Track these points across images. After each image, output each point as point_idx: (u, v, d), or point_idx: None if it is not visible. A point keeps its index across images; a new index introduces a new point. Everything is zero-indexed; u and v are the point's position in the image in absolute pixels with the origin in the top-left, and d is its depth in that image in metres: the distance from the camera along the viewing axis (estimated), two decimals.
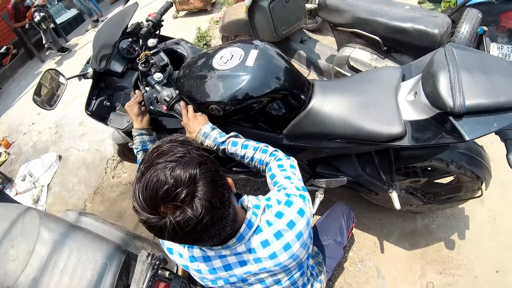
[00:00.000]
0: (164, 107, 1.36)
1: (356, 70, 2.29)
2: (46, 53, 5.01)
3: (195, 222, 0.64)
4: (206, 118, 1.31)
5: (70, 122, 3.56)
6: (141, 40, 1.61)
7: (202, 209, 0.64)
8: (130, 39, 1.64)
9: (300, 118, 1.43)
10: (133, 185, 0.68)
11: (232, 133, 1.25)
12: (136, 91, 1.43)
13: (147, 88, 1.49)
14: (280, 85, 1.35)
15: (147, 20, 1.63)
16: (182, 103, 1.34)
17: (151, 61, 1.48)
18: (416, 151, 1.44)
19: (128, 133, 1.67)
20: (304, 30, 3.19)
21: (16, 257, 1.35)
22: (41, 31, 4.89)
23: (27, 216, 1.44)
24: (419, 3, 3.68)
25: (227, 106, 1.32)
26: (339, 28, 2.37)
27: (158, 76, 1.42)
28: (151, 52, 1.49)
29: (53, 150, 3.31)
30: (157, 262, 1.34)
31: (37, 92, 1.57)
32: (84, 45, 5.28)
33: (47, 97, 1.62)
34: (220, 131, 1.26)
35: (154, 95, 1.40)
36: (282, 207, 0.88)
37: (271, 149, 1.17)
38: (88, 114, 1.62)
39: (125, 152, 2.33)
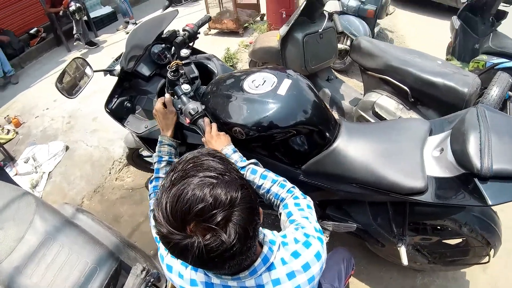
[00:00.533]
0: (188, 120, 1.34)
1: (380, 117, 2.29)
2: (74, 44, 5.07)
3: (225, 249, 0.59)
4: (229, 139, 1.29)
5: (84, 115, 3.56)
6: (173, 48, 1.61)
7: (236, 235, 0.59)
8: (163, 45, 1.63)
9: (322, 156, 1.40)
10: (160, 193, 0.63)
11: (252, 160, 1.22)
12: (166, 96, 1.40)
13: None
14: (308, 119, 1.34)
15: (184, 30, 1.64)
16: (206, 119, 1.33)
17: (181, 71, 1.48)
18: (433, 208, 1.40)
19: (143, 139, 1.64)
20: (332, 69, 3.22)
21: (3, 241, 1.30)
22: (73, 21, 4.96)
23: (23, 201, 1.40)
24: (447, 59, 3.71)
25: (251, 131, 1.30)
26: (369, 72, 2.39)
27: (186, 87, 1.41)
28: (183, 62, 1.49)
29: (62, 140, 3.29)
30: (151, 280, 1.28)
31: (61, 78, 1.57)
32: (112, 43, 5.37)
33: (70, 85, 1.61)
34: (241, 155, 1.24)
35: (179, 106, 1.38)
36: (300, 247, 0.84)
37: (289, 185, 1.14)
38: (107, 111, 1.61)
39: (133, 158, 2.31)
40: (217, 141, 1.26)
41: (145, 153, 2.33)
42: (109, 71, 1.61)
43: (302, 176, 1.47)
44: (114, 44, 5.30)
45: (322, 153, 1.41)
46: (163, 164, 1.27)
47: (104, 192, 2.64)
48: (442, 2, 6.20)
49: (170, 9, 1.82)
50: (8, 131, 3.66)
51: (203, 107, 1.36)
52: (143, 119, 1.64)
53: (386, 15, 4.50)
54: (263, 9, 4.96)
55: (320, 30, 2.44)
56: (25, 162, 3.15)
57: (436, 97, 1.98)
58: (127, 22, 5.71)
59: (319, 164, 1.41)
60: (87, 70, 1.65)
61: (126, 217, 2.41)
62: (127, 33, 5.48)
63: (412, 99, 2.13)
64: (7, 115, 3.86)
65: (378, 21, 3.90)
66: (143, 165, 2.43)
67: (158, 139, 1.34)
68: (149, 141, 1.65)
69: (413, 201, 1.25)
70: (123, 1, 5.47)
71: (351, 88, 3.13)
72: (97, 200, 2.58)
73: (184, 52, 1.53)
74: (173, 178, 0.63)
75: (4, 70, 4.55)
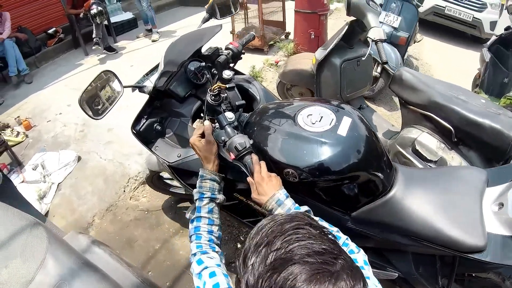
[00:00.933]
0: (232, 156, 1.17)
1: (420, 155, 2.15)
2: (93, 48, 4.97)
3: None
4: (280, 181, 1.14)
5: (99, 124, 3.39)
6: (213, 69, 1.46)
7: None
8: (203, 63, 1.46)
9: (377, 205, 1.29)
10: (250, 275, 0.50)
11: (305, 207, 1.08)
12: (206, 124, 1.24)
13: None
14: (369, 165, 1.22)
15: (227, 48, 1.49)
16: (254, 156, 1.15)
17: (222, 95, 1.32)
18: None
19: (173, 168, 1.47)
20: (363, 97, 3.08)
21: (7, 283, 1.10)
22: (93, 25, 4.87)
23: (33, 233, 1.14)
24: (474, 92, 3.61)
25: (306, 174, 1.16)
26: (410, 106, 2.24)
27: (230, 116, 1.25)
28: (227, 86, 1.34)
29: (74, 149, 3.12)
30: None
31: (85, 94, 1.35)
32: (131, 50, 5.26)
33: (95, 103, 1.40)
34: (293, 201, 1.09)
35: (223, 138, 1.21)
36: None
37: (343, 237, 1.02)
38: (133, 133, 1.43)
39: (154, 180, 2.14)
40: (268, 183, 1.10)
41: (166, 175, 2.16)
42: (139, 88, 1.45)
43: (350, 223, 1.34)
44: (133, 52, 5.19)
45: (377, 202, 1.29)
46: (205, 201, 1.12)
47: (117, 211, 2.46)
48: (466, 31, 6.20)
49: (208, 23, 1.67)
50: (18, 133, 3.51)
51: (251, 142, 1.19)
52: (174, 145, 1.46)
53: (414, 43, 4.42)
54: (288, 27, 4.87)
55: (363, 58, 2.29)
56: (33, 169, 2.98)
57: (481, 138, 1.88)
58: (149, 30, 5.62)
59: (372, 213, 1.29)
60: (116, 85, 1.45)
61: (141, 242, 2.23)
62: (154, 40, 5.38)
63: (455, 139, 2.01)
64: (18, 116, 3.72)
65: None
66: (163, 187, 2.27)
67: (199, 173, 1.18)
68: (180, 171, 1.48)
69: (471, 259, 1.17)
70: (150, 8, 5.37)
71: (382, 118, 2.99)
72: (109, 220, 2.40)
73: (227, 74, 1.37)
74: (272, 260, 0.49)
75: (19, 68, 4.45)
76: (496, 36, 3.74)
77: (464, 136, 1.97)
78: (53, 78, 4.59)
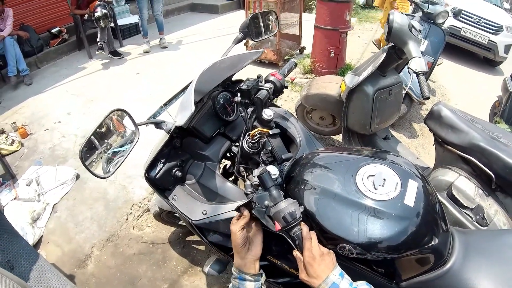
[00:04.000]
0: (278, 227, 0.91)
1: (456, 200, 1.98)
2: (96, 53, 4.72)
3: None
4: (334, 259, 0.92)
5: None
6: (248, 106, 1.19)
7: None
8: (238, 98, 1.17)
9: (432, 277, 1.09)
10: None
11: (363, 284, 0.88)
12: (245, 212, 0.99)
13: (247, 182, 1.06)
14: (432, 239, 1.01)
15: (267, 81, 1.23)
16: (305, 228, 0.92)
17: (261, 140, 1.10)
18: None
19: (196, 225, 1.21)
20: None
21: None
22: (98, 28, 4.63)
23: None
24: (495, 122, 3.45)
25: (366, 251, 0.95)
26: (448, 146, 2.05)
27: (274, 172, 1.00)
28: (270, 132, 1.12)
29: (72, 164, 2.87)
30: None
31: (91, 144, 1.00)
32: (137, 56, 5.04)
33: (101, 153, 1.04)
34: (350, 280, 0.88)
35: (266, 203, 0.95)
36: None
37: None
38: (147, 178, 1.16)
39: (163, 216, 1.91)
40: (321, 264, 0.88)
41: None
42: (155, 124, 1.14)
43: None
44: (140, 58, 4.97)
45: (433, 273, 1.08)
46: None
47: (119, 242, 2.21)
48: (480, 53, 6.17)
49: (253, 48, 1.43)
50: (13, 141, 3.26)
51: (302, 209, 0.95)
52: (198, 197, 1.20)
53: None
54: (304, 42, 4.67)
55: (403, 91, 2.09)
56: (27, 185, 2.73)
57: None
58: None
59: (427, 286, 1.09)
60: (127, 124, 1.11)
61: (145, 281, 1.97)
62: (146, 51, 5.12)
63: (494, 186, 1.85)
64: (14, 122, 3.48)
65: None
66: (172, 221, 2.03)
67: (233, 272, 0.97)
68: (203, 228, 1.24)
69: None
70: (160, 14, 5.12)
71: (407, 149, 2.81)
72: (110, 252, 2.14)
73: (268, 114, 1.15)
74: None
75: (18, 68, 4.23)
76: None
77: (505, 184, 1.81)
78: (54, 81, 4.36)
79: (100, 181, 2.66)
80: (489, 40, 5.76)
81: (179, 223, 2.08)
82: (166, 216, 1.94)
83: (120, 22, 5.44)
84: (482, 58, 6.42)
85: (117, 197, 2.50)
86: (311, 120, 2.97)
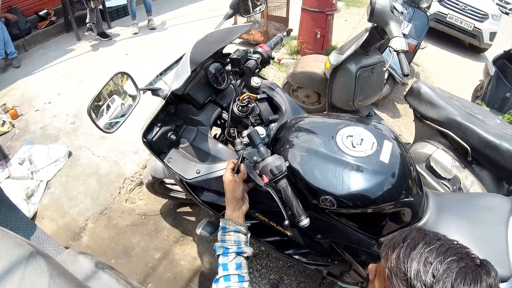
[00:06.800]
0: (266, 180, 1.03)
1: (434, 172, 2.11)
2: (85, 34, 4.70)
3: None
4: None
5: None
6: (237, 74, 1.31)
7: None
8: (228, 66, 1.27)
9: None
10: None
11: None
12: (242, 166, 1.10)
13: (238, 141, 1.16)
14: (408, 195, 1.12)
15: (255, 52, 1.33)
16: (284, 181, 1.01)
17: (250, 105, 1.18)
18: None
19: (189, 184, 1.31)
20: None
21: None
22: (87, 9, 4.61)
23: (30, 267, 0.92)
24: (476, 104, 3.62)
25: (346, 203, 1.06)
26: (426, 121, 2.17)
27: (261, 132, 1.11)
28: (258, 96, 1.21)
29: (64, 143, 2.92)
30: None
31: (96, 102, 1.14)
32: (126, 37, 5.02)
33: (106, 111, 1.19)
34: None
35: (255, 158, 1.07)
36: None
37: None
38: (144, 142, 1.26)
39: (155, 186, 1.99)
40: None
41: (168, 180, 2.01)
42: (152, 90, 1.25)
43: (375, 247, 1.26)
44: (128, 39, 4.96)
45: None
46: (232, 257, 0.99)
47: (112, 215, 2.30)
48: (465, 39, 6.27)
49: (230, 21, 1.51)
50: (4, 122, 3.28)
51: (287, 164, 1.05)
52: (191, 158, 1.29)
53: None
54: (291, 24, 4.72)
55: (384, 68, 2.19)
56: (20, 164, 2.78)
57: (496, 160, 1.85)
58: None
59: None
60: (129, 89, 1.24)
61: (138, 250, 2.08)
62: (135, 33, 5.12)
63: (470, 158, 1.97)
64: (4, 104, 3.48)
65: None
66: (164, 192, 2.12)
67: (220, 224, 1.06)
68: (196, 187, 1.34)
69: None
70: None
71: (389, 126, 2.91)
72: (103, 225, 2.24)
73: (256, 81, 1.24)
74: None
75: (7, 51, 4.18)
76: (505, 51, 3.74)
77: (480, 156, 1.94)
78: (42, 63, 4.34)
79: (92, 157, 2.74)
80: (474, 27, 5.88)
81: (171, 194, 2.17)
82: (158, 187, 2.03)
83: (108, 3, 5.38)
84: (468, 45, 6.55)
85: (110, 172, 2.58)
86: (297, 98, 3.06)
